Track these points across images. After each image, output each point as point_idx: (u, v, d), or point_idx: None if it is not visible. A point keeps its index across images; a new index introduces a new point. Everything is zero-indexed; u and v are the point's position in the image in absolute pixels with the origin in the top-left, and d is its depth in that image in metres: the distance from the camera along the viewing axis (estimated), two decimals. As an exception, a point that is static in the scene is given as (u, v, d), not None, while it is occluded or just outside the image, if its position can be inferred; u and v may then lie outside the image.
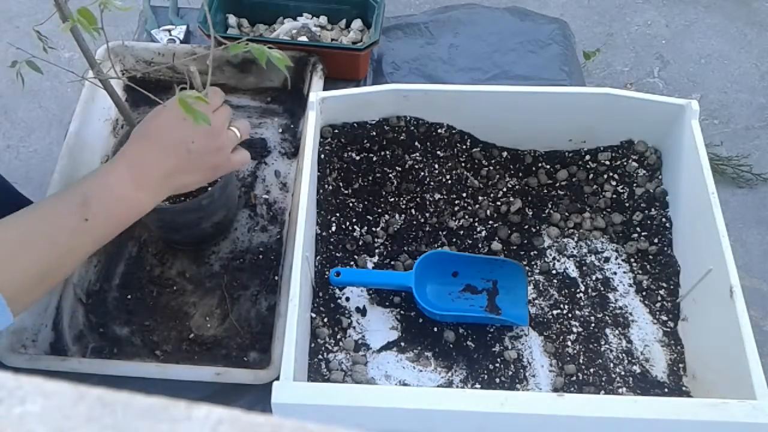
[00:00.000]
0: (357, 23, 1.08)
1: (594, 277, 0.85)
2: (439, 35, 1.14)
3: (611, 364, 0.78)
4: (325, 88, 0.97)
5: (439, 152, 0.90)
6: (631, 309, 0.82)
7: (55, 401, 0.19)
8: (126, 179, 0.64)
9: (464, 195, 0.89)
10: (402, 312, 0.82)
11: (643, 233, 0.86)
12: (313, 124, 0.80)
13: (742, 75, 2.06)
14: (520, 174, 0.92)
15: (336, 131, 0.88)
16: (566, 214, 0.89)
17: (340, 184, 0.88)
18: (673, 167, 0.86)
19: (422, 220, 0.87)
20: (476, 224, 0.88)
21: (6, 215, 0.63)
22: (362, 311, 0.82)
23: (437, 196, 0.89)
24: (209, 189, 0.78)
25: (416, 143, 0.90)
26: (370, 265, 0.85)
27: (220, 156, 0.70)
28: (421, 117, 0.89)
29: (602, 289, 0.84)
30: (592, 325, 0.81)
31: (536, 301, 0.83)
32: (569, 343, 0.79)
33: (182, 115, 0.66)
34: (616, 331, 0.80)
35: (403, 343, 0.79)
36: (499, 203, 0.89)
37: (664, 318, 0.81)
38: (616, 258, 0.86)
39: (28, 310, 0.74)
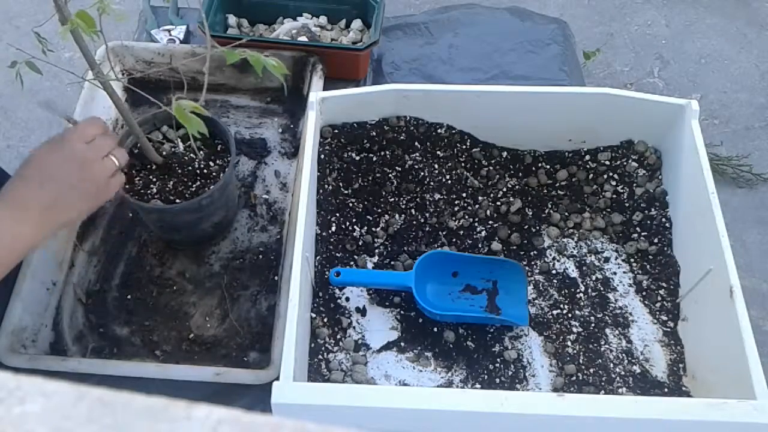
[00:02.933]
0: (357, 23, 1.08)
1: (594, 277, 0.85)
2: (439, 35, 1.14)
3: (611, 364, 0.78)
4: (325, 88, 0.97)
5: (439, 152, 0.90)
6: (631, 309, 0.82)
7: (55, 401, 0.19)
8: (6, 215, 0.65)
9: (464, 195, 0.89)
10: (402, 312, 0.82)
11: (643, 233, 0.86)
12: (313, 124, 0.80)
13: (742, 75, 2.06)
14: (520, 174, 0.92)
15: (336, 131, 0.88)
16: (566, 214, 0.89)
17: (340, 184, 0.88)
18: (673, 167, 0.86)
19: (422, 220, 0.87)
20: (476, 224, 0.88)
21: None
22: (362, 311, 0.81)
23: (437, 196, 0.89)
24: (209, 189, 0.78)
25: (416, 143, 0.90)
26: (370, 265, 0.85)
27: (97, 184, 0.70)
28: (421, 117, 0.89)
29: (602, 289, 0.84)
30: (592, 325, 0.81)
31: (536, 301, 0.83)
32: (569, 343, 0.79)
33: (57, 148, 0.68)
34: (616, 331, 0.80)
35: (403, 343, 0.79)
36: (499, 203, 0.89)
37: (664, 318, 0.81)
38: (616, 258, 0.86)
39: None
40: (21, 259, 0.67)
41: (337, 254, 0.84)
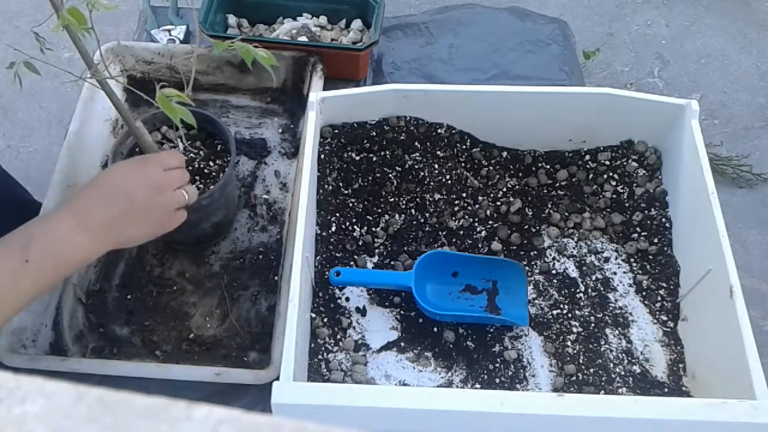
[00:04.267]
0: (357, 23, 1.08)
1: (594, 277, 0.85)
2: (439, 35, 1.14)
3: (611, 364, 0.78)
4: (325, 88, 0.97)
5: (439, 152, 0.90)
6: (631, 309, 0.82)
7: (55, 401, 0.19)
8: (69, 223, 0.65)
9: (464, 195, 0.89)
10: (402, 312, 0.82)
11: (643, 233, 0.86)
12: (313, 124, 0.80)
13: (742, 75, 2.06)
14: (520, 174, 0.92)
15: (336, 131, 0.88)
16: (566, 214, 0.89)
17: (340, 184, 0.88)
18: (673, 167, 0.86)
19: (422, 220, 0.87)
20: (476, 224, 0.88)
21: (9, 212, 0.63)
22: (362, 311, 0.82)
23: (437, 196, 0.89)
24: (209, 189, 0.78)
25: (416, 143, 0.90)
26: (370, 265, 0.85)
27: (164, 212, 0.71)
28: (421, 117, 0.89)
29: (602, 289, 0.84)
30: (592, 325, 0.81)
31: (536, 301, 0.83)
32: (569, 343, 0.79)
33: (134, 166, 0.69)
34: (616, 331, 0.80)
35: (403, 343, 0.79)
36: (499, 203, 0.89)
37: (664, 318, 0.81)
38: (616, 258, 0.86)
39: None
40: (73, 272, 0.67)
41: (337, 254, 0.84)
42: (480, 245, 0.86)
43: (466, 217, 0.88)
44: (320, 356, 0.76)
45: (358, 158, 0.89)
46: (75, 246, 0.65)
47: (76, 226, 0.64)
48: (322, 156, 0.86)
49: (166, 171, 0.71)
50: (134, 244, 0.72)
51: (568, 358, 0.78)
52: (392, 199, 0.88)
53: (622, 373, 0.77)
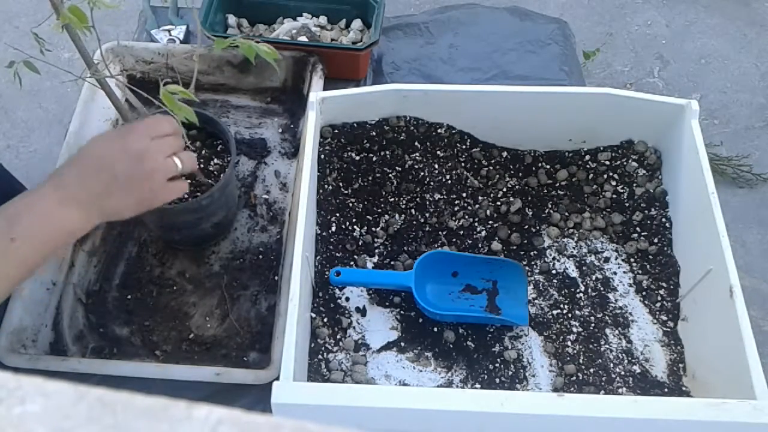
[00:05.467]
0: (357, 23, 1.08)
1: (594, 277, 0.85)
2: (439, 35, 1.14)
3: (611, 364, 0.78)
4: (325, 88, 0.97)
5: (439, 152, 0.90)
6: (631, 309, 0.82)
7: (55, 401, 0.19)
8: (50, 197, 0.64)
9: (464, 195, 0.89)
10: (402, 312, 0.82)
11: (643, 233, 0.86)
12: (313, 124, 0.80)
13: (742, 75, 2.06)
14: (520, 174, 0.92)
15: (336, 131, 0.88)
16: (566, 214, 0.89)
17: (340, 184, 0.88)
18: (673, 167, 0.86)
19: (422, 220, 0.87)
20: (476, 224, 0.88)
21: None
22: (362, 311, 0.82)
23: (437, 196, 0.89)
24: (209, 189, 0.78)
25: (416, 143, 0.90)
26: (370, 265, 0.85)
27: (153, 182, 0.68)
28: (421, 117, 0.89)
29: (602, 289, 0.84)
30: (592, 325, 0.81)
31: (536, 301, 0.83)
32: (569, 343, 0.79)
33: (115, 138, 0.66)
34: (616, 331, 0.80)
35: (403, 343, 0.79)
36: (499, 203, 0.89)
37: (664, 318, 0.81)
38: (616, 258, 0.86)
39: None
40: (67, 244, 0.65)
41: (337, 254, 0.84)
42: (480, 245, 0.86)
43: (466, 217, 0.88)
44: (320, 356, 0.76)
45: (358, 158, 0.89)
46: (60, 220, 0.63)
47: (58, 201, 0.63)
48: (322, 156, 0.86)
49: (154, 139, 0.68)
50: (125, 216, 0.69)
51: (568, 358, 0.78)
52: (392, 199, 0.88)
53: (622, 373, 0.77)
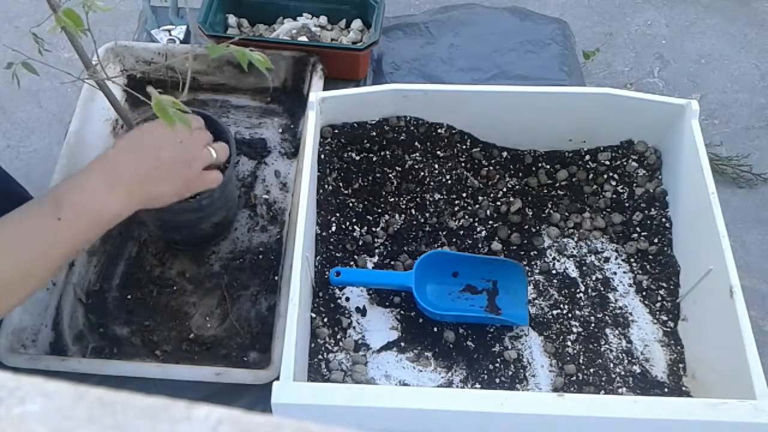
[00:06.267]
0: (357, 23, 1.08)
1: (594, 277, 0.85)
2: (439, 35, 1.14)
3: (611, 364, 0.78)
4: (325, 88, 0.97)
5: (439, 152, 0.90)
6: (631, 309, 0.82)
7: (55, 401, 0.19)
8: (98, 179, 0.66)
9: (464, 195, 0.89)
10: (402, 312, 0.82)
11: (643, 233, 0.86)
12: (313, 124, 0.80)
13: (742, 75, 2.06)
14: (520, 174, 0.92)
15: (336, 131, 0.88)
16: (566, 214, 0.89)
17: (340, 184, 0.88)
18: (673, 167, 0.86)
19: (422, 220, 0.87)
20: (476, 224, 0.88)
21: (7, 209, 0.63)
22: (362, 311, 0.82)
23: (437, 196, 0.89)
24: (209, 189, 0.78)
25: (416, 143, 0.90)
26: (370, 265, 0.85)
27: (191, 170, 0.72)
28: (421, 117, 0.89)
29: (602, 289, 0.84)
30: (592, 325, 0.81)
31: (536, 301, 0.83)
32: (569, 343, 0.79)
33: (159, 126, 0.69)
34: (616, 331, 0.80)
35: (403, 343, 0.79)
36: (499, 203, 0.89)
37: (664, 318, 0.81)
38: (616, 258, 0.86)
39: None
40: (107, 229, 0.67)
41: (337, 254, 0.84)
42: (480, 245, 0.86)
43: (466, 217, 0.88)
44: (320, 356, 0.76)
45: (358, 158, 0.89)
46: (106, 202, 0.65)
47: (106, 182, 0.66)
48: (322, 156, 0.86)
49: (193, 131, 0.72)
50: (164, 203, 0.72)
51: (568, 358, 0.78)
52: (392, 199, 0.88)
53: (622, 373, 0.77)
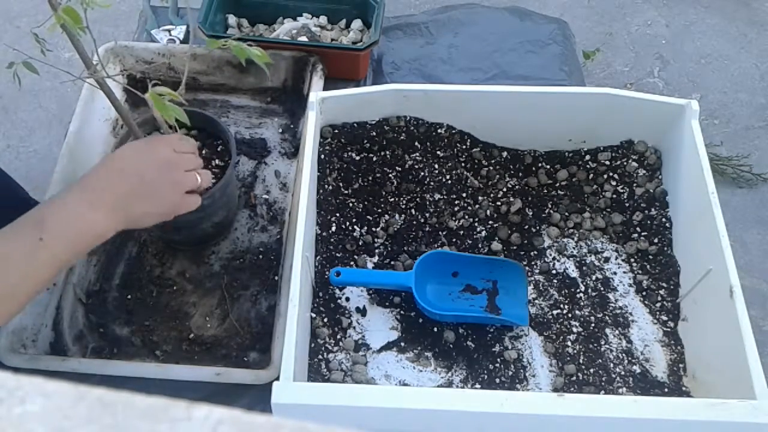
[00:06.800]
0: (357, 23, 1.08)
1: (594, 277, 0.85)
2: (439, 35, 1.14)
3: (611, 364, 0.78)
4: (325, 88, 0.97)
5: (439, 152, 0.90)
6: (631, 309, 0.82)
7: (55, 401, 0.19)
8: (80, 200, 0.65)
9: (464, 195, 0.89)
10: (402, 312, 0.82)
11: (643, 233, 0.86)
12: (313, 124, 0.80)
13: (742, 75, 2.05)
14: (520, 174, 0.92)
15: (336, 131, 0.88)
16: (566, 214, 0.89)
17: (340, 184, 0.88)
18: (673, 167, 0.86)
19: (422, 220, 0.87)
20: (476, 224, 0.88)
21: (7, 211, 0.63)
22: (362, 311, 0.81)
23: (437, 196, 0.89)
24: (210, 189, 0.78)
25: (416, 143, 0.90)
26: (370, 265, 0.85)
27: (175, 192, 0.71)
28: (421, 117, 0.89)
29: (602, 289, 0.84)
30: (592, 325, 0.81)
31: (536, 301, 0.83)
32: (569, 343, 0.79)
33: (145, 146, 0.69)
34: (616, 331, 0.80)
35: (403, 343, 0.79)
36: (499, 203, 0.89)
37: (664, 318, 0.81)
38: (616, 258, 0.86)
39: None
40: (89, 249, 0.67)
41: (337, 254, 0.84)
42: (480, 245, 0.86)
43: (466, 217, 0.88)
44: (320, 356, 0.76)
45: (358, 158, 0.89)
46: (88, 223, 0.65)
47: (87, 204, 0.65)
48: (322, 156, 0.86)
49: (178, 152, 0.71)
50: (146, 224, 0.71)
51: (568, 358, 0.78)
52: (392, 199, 0.88)
53: (622, 373, 0.77)
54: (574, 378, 0.77)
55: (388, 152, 0.89)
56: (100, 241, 0.66)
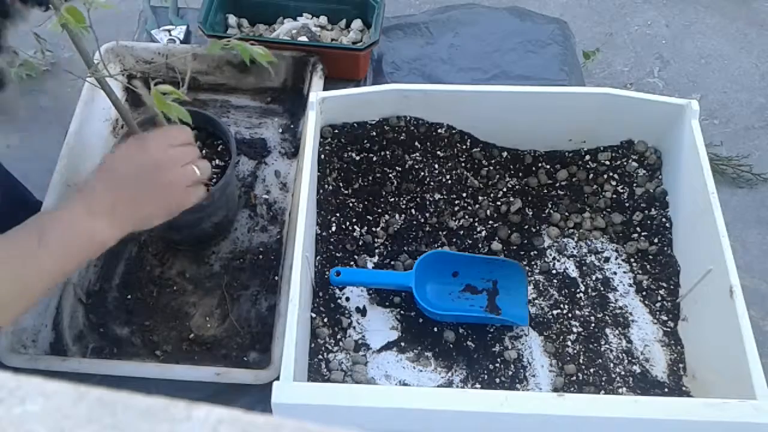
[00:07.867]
0: (357, 23, 1.08)
1: (594, 277, 0.85)
2: (439, 35, 1.14)
3: (611, 364, 0.78)
4: (325, 88, 0.97)
5: (439, 152, 0.90)
6: (631, 309, 0.82)
7: (55, 401, 0.19)
8: (79, 207, 0.65)
9: (464, 195, 0.89)
10: (402, 312, 0.82)
11: (643, 233, 0.86)
12: (313, 124, 0.80)
13: (742, 75, 2.05)
14: (520, 174, 0.92)
15: (336, 131, 0.88)
16: (566, 214, 0.89)
17: (340, 184, 0.88)
18: (673, 167, 0.86)
19: (422, 220, 0.87)
20: (476, 224, 0.88)
21: (10, 211, 0.63)
22: (362, 311, 0.82)
23: (437, 196, 0.89)
24: (210, 189, 0.78)
25: (416, 143, 0.90)
26: (370, 265, 0.85)
27: (173, 190, 0.70)
28: (421, 117, 0.89)
29: (602, 289, 0.84)
30: (592, 325, 0.81)
31: (536, 301, 0.83)
32: (569, 343, 0.79)
33: (132, 150, 0.68)
34: (616, 331, 0.80)
35: (403, 343, 0.79)
36: (499, 203, 0.89)
37: (664, 318, 0.81)
38: (616, 258, 0.86)
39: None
40: (98, 253, 0.67)
41: (337, 254, 0.84)
42: (480, 245, 0.86)
43: (466, 217, 0.88)
44: (320, 356, 0.76)
45: (358, 158, 0.89)
46: (88, 231, 0.64)
47: (86, 213, 0.65)
48: (322, 156, 0.86)
49: (172, 147, 0.70)
50: (155, 223, 0.71)
51: (568, 358, 0.78)
52: (392, 199, 0.88)
53: (622, 373, 0.77)
54: (574, 378, 0.77)
55: (388, 152, 0.89)
56: (103, 249, 0.66)
